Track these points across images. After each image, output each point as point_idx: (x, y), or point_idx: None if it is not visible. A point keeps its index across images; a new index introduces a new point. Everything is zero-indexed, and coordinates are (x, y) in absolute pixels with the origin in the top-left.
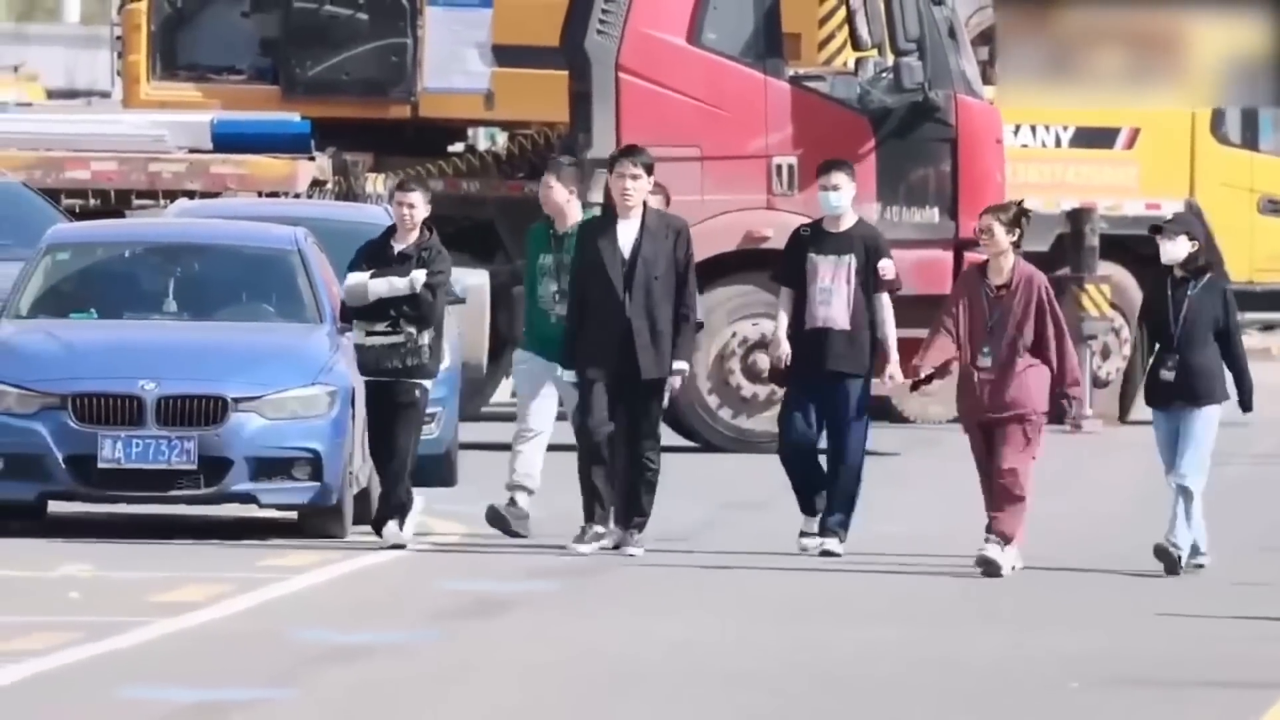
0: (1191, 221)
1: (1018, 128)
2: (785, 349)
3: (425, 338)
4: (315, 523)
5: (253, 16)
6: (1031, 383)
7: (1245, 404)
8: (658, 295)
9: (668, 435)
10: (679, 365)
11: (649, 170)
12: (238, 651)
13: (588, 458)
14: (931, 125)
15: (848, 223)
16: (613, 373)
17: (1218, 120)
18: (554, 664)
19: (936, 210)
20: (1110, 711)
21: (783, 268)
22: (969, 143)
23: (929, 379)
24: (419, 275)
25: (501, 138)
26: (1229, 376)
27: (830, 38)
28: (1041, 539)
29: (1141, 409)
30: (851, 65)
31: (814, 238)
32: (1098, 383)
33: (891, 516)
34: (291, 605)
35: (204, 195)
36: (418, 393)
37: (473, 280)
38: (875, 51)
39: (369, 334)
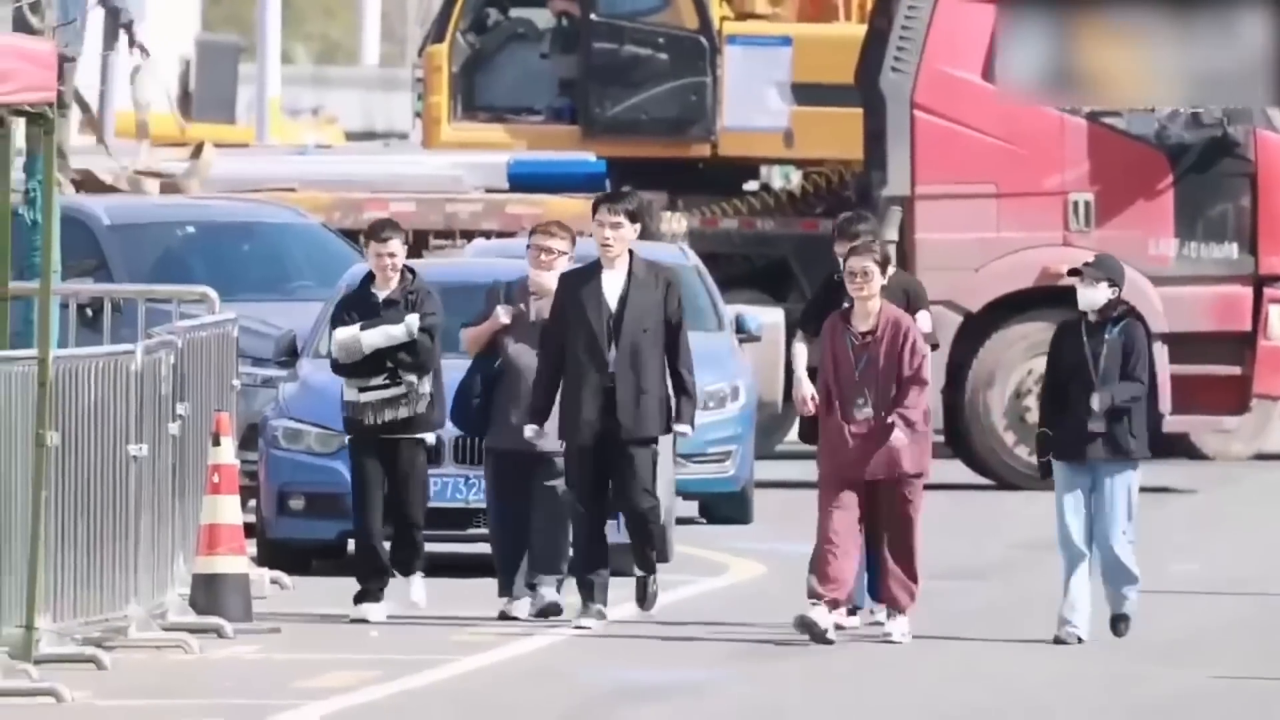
0: (1113, 266)
1: None
2: (808, 388)
3: (426, 385)
4: (613, 561)
5: (552, 57)
6: (905, 441)
7: (1152, 442)
8: (646, 350)
9: (966, 474)
10: (681, 429)
11: (633, 218)
12: (533, 690)
13: (584, 534)
14: (1230, 160)
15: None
16: (598, 435)
17: None
18: (860, 704)
19: (1235, 246)
20: None
21: (809, 312)
22: (1269, 177)
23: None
24: (414, 320)
25: (795, 176)
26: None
27: None
28: None
29: None
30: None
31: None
32: None
33: (1190, 554)
34: (585, 644)
35: (500, 235)
36: (422, 448)
37: (768, 318)
38: None
39: (364, 390)
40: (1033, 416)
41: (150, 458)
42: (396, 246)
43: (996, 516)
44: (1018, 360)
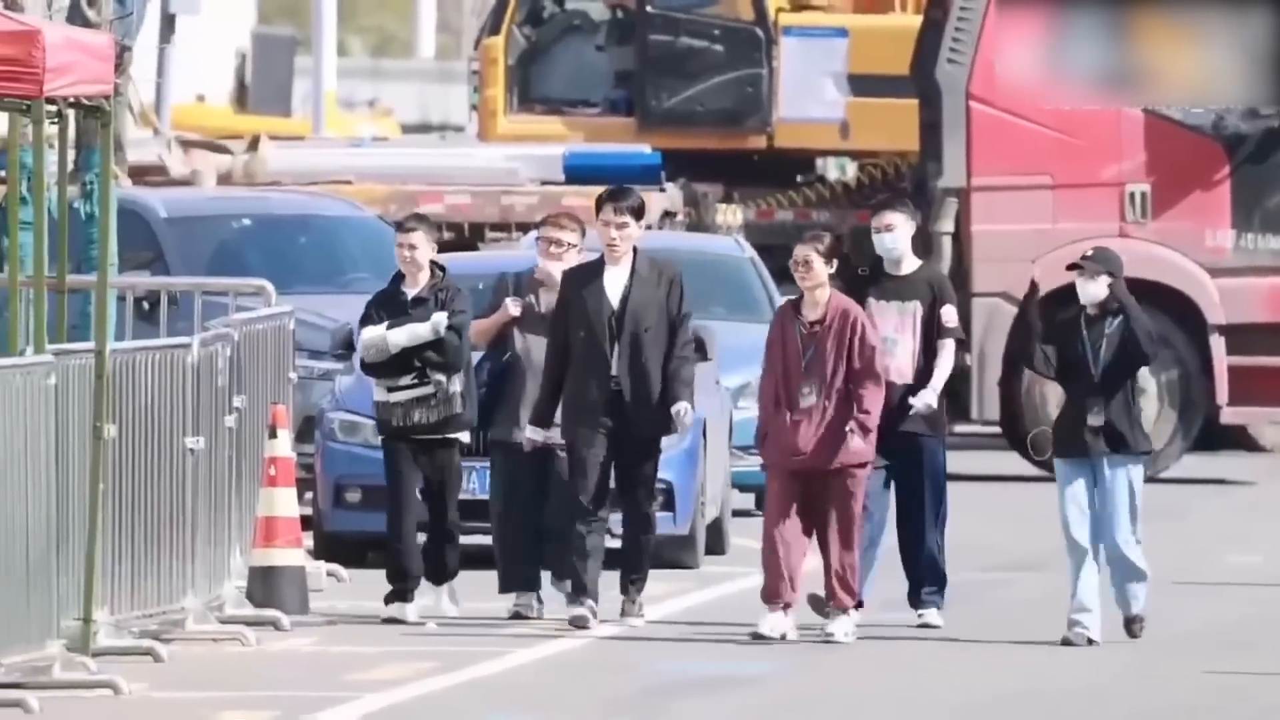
0: (1112, 259)
1: None
2: None
3: (456, 384)
4: (668, 553)
5: (608, 49)
6: (861, 445)
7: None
8: (648, 348)
9: (1023, 465)
10: (677, 408)
11: (637, 215)
12: (592, 681)
13: (584, 529)
14: None
15: (909, 265)
16: (603, 434)
17: None
18: (896, 696)
19: None
20: None
21: None
22: None
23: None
24: (440, 318)
25: (851, 167)
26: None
27: None
28: None
29: None
30: None
31: (874, 279)
32: None
33: (1248, 546)
34: (644, 635)
35: None
36: (456, 449)
37: None
38: None
39: (392, 390)
40: None
41: (207, 450)
42: (418, 239)
43: (1052, 508)
44: None
